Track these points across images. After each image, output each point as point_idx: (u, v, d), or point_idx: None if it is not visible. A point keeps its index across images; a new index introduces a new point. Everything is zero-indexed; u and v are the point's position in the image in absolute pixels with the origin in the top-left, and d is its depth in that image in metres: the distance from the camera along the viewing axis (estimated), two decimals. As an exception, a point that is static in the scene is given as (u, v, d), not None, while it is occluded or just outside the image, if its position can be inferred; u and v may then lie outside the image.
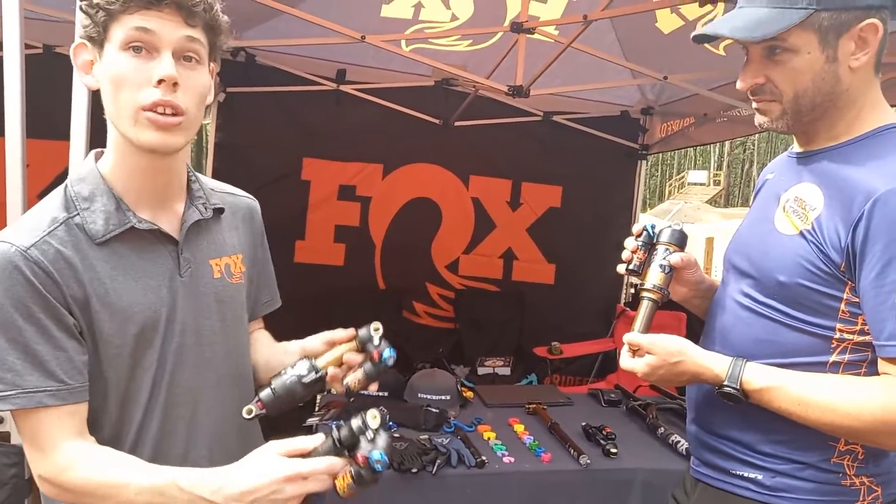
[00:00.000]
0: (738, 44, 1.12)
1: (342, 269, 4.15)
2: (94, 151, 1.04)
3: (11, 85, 1.53)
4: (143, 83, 0.92)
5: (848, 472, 1.09)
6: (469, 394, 2.55)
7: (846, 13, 1.04)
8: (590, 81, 3.70)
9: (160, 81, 0.92)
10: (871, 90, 1.11)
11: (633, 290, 4.68)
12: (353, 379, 1.04)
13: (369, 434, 0.92)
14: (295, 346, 1.18)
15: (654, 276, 1.24)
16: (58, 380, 0.92)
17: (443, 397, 2.33)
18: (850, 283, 1.04)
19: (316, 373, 1.02)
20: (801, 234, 1.08)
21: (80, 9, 0.94)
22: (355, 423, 0.93)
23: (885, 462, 1.12)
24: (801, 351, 1.09)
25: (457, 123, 4.08)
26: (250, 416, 1.01)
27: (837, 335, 1.06)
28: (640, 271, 1.26)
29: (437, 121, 4.12)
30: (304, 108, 3.77)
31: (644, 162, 4.59)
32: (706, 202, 37.05)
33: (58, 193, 1.00)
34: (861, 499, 1.09)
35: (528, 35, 2.91)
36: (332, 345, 1.09)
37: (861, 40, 1.05)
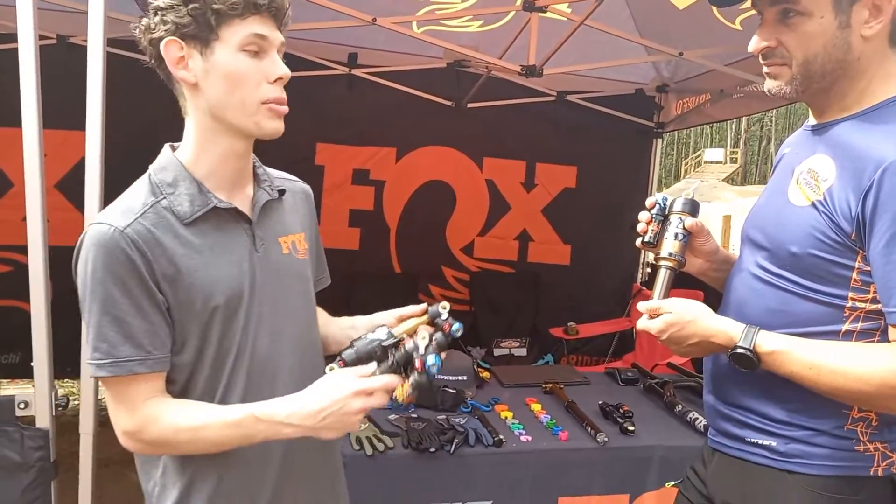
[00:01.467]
0: (753, 7, 1.12)
1: (357, 253, 4.18)
2: (167, 145, 1.15)
3: (27, 76, 1.55)
4: (260, 80, 1.06)
5: (861, 438, 1.10)
6: (486, 374, 2.56)
7: None
8: (603, 59, 3.65)
9: (278, 79, 1.06)
10: (886, 61, 1.10)
11: (649, 270, 4.66)
12: (425, 345, 1.13)
13: (421, 349, 1.07)
14: (363, 321, 1.29)
15: (668, 245, 1.28)
16: (146, 350, 1.03)
17: (459, 378, 2.34)
18: (861, 252, 1.04)
19: (394, 338, 1.11)
20: (813, 204, 1.08)
21: (187, 12, 1.02)
22: (408, 345, 1.08)
23: None
24: (815, 320, 1.10)
25: (470, 105, 4.06)
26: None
27: (850, 304, 1.07)
28: (656, 243, 1.29)
29: (449, 103, 4.10)
30: (316, 92, 3.76)
31: (659, 140, 4.54)
32: (723, 180, 36.59)
33: (143, 181, 1.11)
34: (875, 464, 1.10)
35: (540, 14, 2.89)
36: (401, 319, 1.19)
37: (875, 8, 1.05)
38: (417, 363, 1.05)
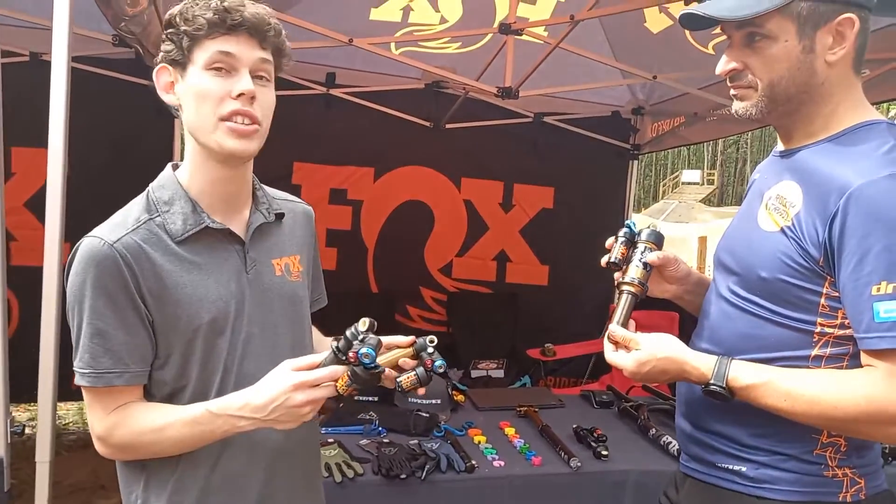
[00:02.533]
0: (722, 31, 1.14)
1: (334, 273, 4.12)
2: (170, 164, 1.18)
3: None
4: (224, 97, 1.06)
5: (830, 463, 1.10)
6: (460, 397, 2.54)
7: (824, 5, 1.05)
8: (580, 82, 3.69)
9: (240, 95, 1.06)
10: (851, 90, 1.11)
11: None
12: (405, 378, 1.13)
13: (361, 337, 1.05)
14: None
15: (633, 271, 1.28)
16: (124, 364, 1.05)
17: (433, 401, 2.32)
18: (829, 277, 1.05)
19: (376, 368, 1.09)
20: (782, 230, 1.09)
21: (166, 36, 1.06)
22: (349, 331, 1.06)
23: (869, 454, 1.13)
24: (785, 345, 1.10)
25: (448, 126, 4.07)
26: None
27: (818, 329, 1.07)
28: (621, 266, 1.29)
29: (427, 123, 4.11)
30: (293, 111, 3.75)
31: (636, 162, 4.58)
32: (700, 201, 37.17)
33: (141, 198, 1.13)
34: (844, 490, 1.10)
35: (516, 36, 2.91)
36: (388, 348, 1.17)
37: (838, 34, 1.07)
38: (351, 354, 1.03)
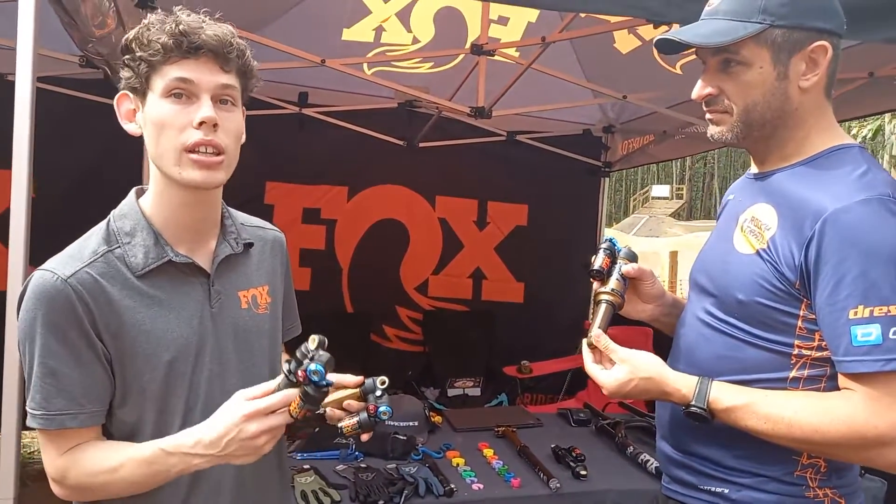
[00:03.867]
0: (697, 56, 1.16)
1: (308, 293, 4.07)
2: (134, 189, 1.12)
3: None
4: (185, 125, 1.00)
5: (811, 484, 1.11)
6: (438, 418, 2.51)
7: (798, 32, 1.07)
8: (552, 101, 3.73)
9: (201, 123, 1.00)
10: (823, 115, 1.14)
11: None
12: (347, 424, 1.07)
13: (311, 355, 0.99)
14: None
15: (612, 282, 1.29)
16: (79, 404, 1.00)
17: (410, 423, 2.29)
18: (805, 300, 1.05)
19: (328, 385, 1.05)
20: (758, 253, 1.10)
21: (123, 62, 1.02)
22: (299, 351, 1.00)
23: (849, 475, 1.13)
24: (762, 367, 1.10)
25: (421, 144, 4.08)
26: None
27: (796, 351, 1.08)
28: (603, 275, 1.30)
29: (401, 142, 4.11)
30: (266, 131, 3.70)
31: (607, 179, 4.64)
32: (669, 215, 37.77)
33: (101, 228, 1.08)
34: None
35: (489, 57, 2.94)
36: (337, 386, 1.11)
37: (812, 61, 1.09)
38: (300, 373, 0.97)
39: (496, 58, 3.01)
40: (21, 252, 1.46)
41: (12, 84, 3.03)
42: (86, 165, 3.51)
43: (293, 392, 0.98)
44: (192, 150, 1.01)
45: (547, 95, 3.63)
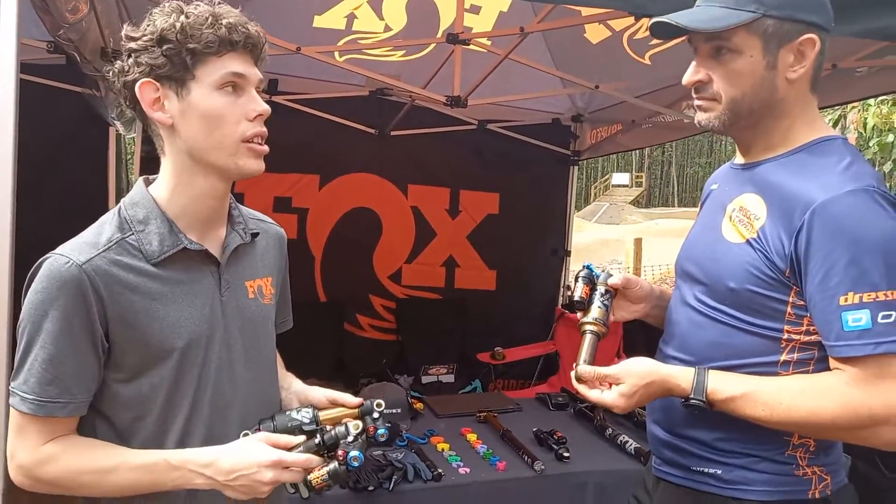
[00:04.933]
0: (689, 42, 1.18)
1: (280, 283, 4.05)
2: (141, 178, 1.12)
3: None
4: (240, 118, 1.04)
5: (801, 463, 1.16)
6: (419, 405, 2.54)
7: (789, 24, 1.11)
8: (523, 91, 3.76)
9: (258, 116, 1.05)
10: (807, 107, 1.18)
11: (568, 293, 4.79)
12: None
13: (350, 438, 1.05)
14: (299, 388, 1.28)
15: (595, 311, 1.29)
16: (70, 394, 1.01)
17: (393, 411, 2.31)
18: (794, 287, 1.10)
19: (316, 425, 1.11)
20: (748, 242, 1.13)
21: (163, 54, 1.01)
22: (340, 429, 1.06)
23: (833, 452, 1.19)
24: (754, 352, 1.15)
25: (393, 133, 4.07)
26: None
27: (785, 336, 1.12)
28: (584, 305, 1.31)
29: (373, 130, 4.09)
30: (235, 119, 3.67)
31: (576, 168, 4.71)
32: (629, 203, 38.45)
33: (112, 215, 1.08)
34: (812, 487, 1.16)
35: (464, 46, 2.94)
36: (334, 403, 1.18)
37: (800, 53, 1.13)
38: (340, 452, 1.03)
39: (470, 47, 3.02)
40: (7, 246, 1.42)
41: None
42: (49, 152, 3.40)
43: (317, 460, 1.04)
44: (249, 140, 1.05)
45: (518, 85, 3.65)
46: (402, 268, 4.37)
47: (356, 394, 1.19)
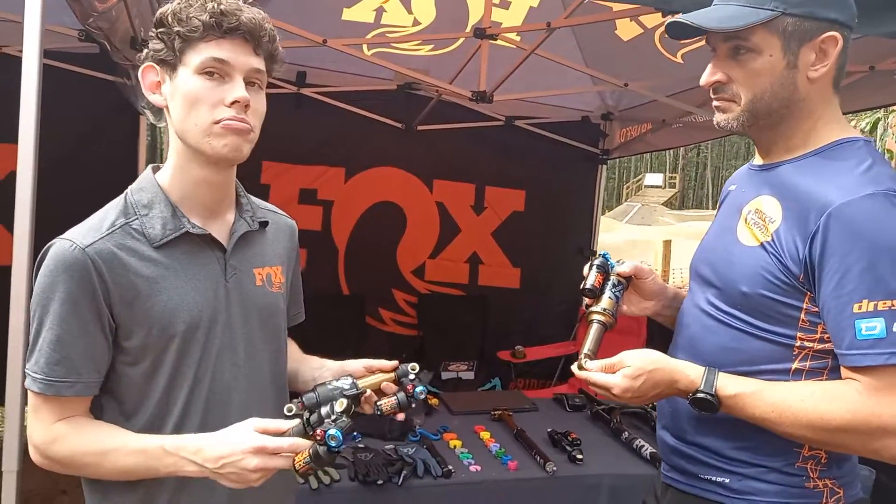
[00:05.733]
0: (707, 42, 1.15)
1: (303, 274, 4.04)
2: (150, 166, 1.14)
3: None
4: (216, 103, 1.03)
5: (811, 475, 1.12)
6: (434, 401, 2.53)
7: (809, 22, 1.07)
8: (551, 87, 3.71)
9: (234, 102, 1.03)
10: (829, 106, 1.14)
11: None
12: (385, 403, 1.11)
13: (334, 417, 1.02)
14: (334, 364, 1.26)
15: (605, 301, 1.27)
16: (77, 373, 1.02)
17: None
18: (808, 293, 1.06)
19: (357, 389, 1.09)
20: (762, 245, 1.10)
21: (157, 36, 1.04)
22: (324, 409, 1.04)
23: (846, 465, 1.15)
24: (765, 358, 1.11)
25: (419, 128, 4.07)
26: (290, 414, 1.08)
27: (798, 343, 1.09)
28: (596, 293, 1.28)
29: (399, 125, 4.09)
30: (263, 110, 3.70)
31: (604, 166, 4.65)
32: (662, 204, 37.90)
33: (119, 200, 1.10)
34: (824, 500, 1.12)
35: (491, 41, 2.92)
36: (370, 370, 1.18)
37: (821, 51, 1.09)
38: (319, 432, 0.99)
39: (498, 42, 2.99)
40: (27, 227, 1.45)
41: (9, 57, 2.99)
42: (81, 140, 3.48)
43: (304, 443, 1.00)
44: (221, 121, 1.04)
45: (546, 81, 3.62)
46: (426, 263, 4.36)
47: (395, 368, 1.17)
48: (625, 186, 44.64)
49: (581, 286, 1.29)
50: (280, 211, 1.31)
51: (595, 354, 1.20)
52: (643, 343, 3.53)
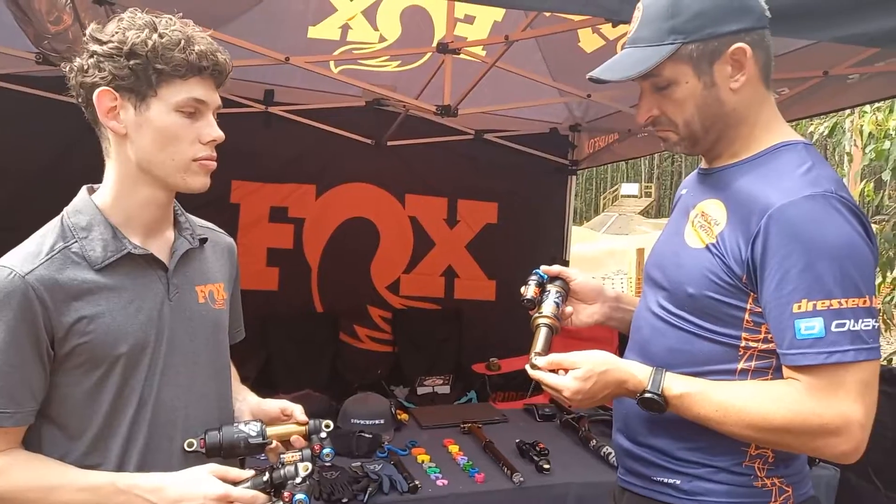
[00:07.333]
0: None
1: (276, 293, 4.03)
2: (84, 187, 1.14)
3: None
4: (193, 140, 1.07)
5: (759, 474, 1.14)
6: (404, 416, 2.52)
7: (713, 41, 1.10)
8: (519, 100, 3.75)
9: (211, 141, 1.08)
10: (763, 108, 1.16)
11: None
12: (289, 457, 1.11)
13: (298, 480, 1.05)
14: (253, 399, 1.29)
15: (546, 307, 1.31)
16: (17, 403, 1.00)
17: (376, 421, 2.29)
18: (752, 294, 1.08)
19: (263, 439, 1.12)
20: (707, 247, 1.12)
21: (129, 67, 1.02)
22: (289, 470, 1.06)
23: (794, 464, 1.17)
24: (712, 359, 1.13)
25: (389, 143, 4.08)
26: (190, 450, 1.09)
27: (743, 343, 1.11)
28: (535, 304, 1.33)
29: (369, 140, 4.09)
30: (231, 130, 3.55)
31: (574, 177, 4.69)
32: (638, 213, 38.28)
33: (55, 224, 1.09)
34: (773, 499, 1.13)
35: (454, 55, 2.95)
36: (286, 414, 1.21)
37: (735, 62, 1.11)
38: (286, 494, 1.04)
39: (462, 56, 3.02)
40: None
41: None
42: (45, 163, 3.43)
43: (263, 498, 1.04)
44: (199, 160, 1.08)
45: (514, 94, 3.65)
46: (401, 278, 4.35)
47: (306, 423, 1.20)
48: (602, 197, 45.03)
49: (520, 300, 1.32)
50: (217, 228, 1.31)
51: (546, 354, 1.22)
52: (615, 350, 3.54)
